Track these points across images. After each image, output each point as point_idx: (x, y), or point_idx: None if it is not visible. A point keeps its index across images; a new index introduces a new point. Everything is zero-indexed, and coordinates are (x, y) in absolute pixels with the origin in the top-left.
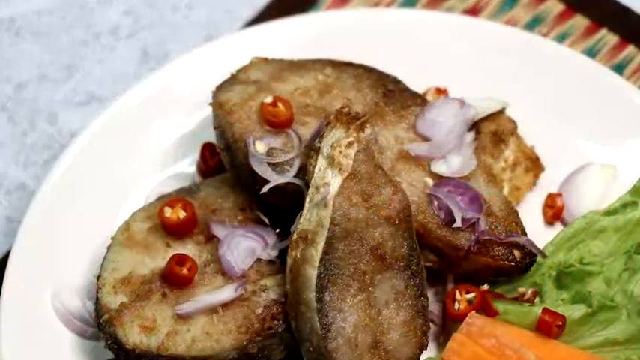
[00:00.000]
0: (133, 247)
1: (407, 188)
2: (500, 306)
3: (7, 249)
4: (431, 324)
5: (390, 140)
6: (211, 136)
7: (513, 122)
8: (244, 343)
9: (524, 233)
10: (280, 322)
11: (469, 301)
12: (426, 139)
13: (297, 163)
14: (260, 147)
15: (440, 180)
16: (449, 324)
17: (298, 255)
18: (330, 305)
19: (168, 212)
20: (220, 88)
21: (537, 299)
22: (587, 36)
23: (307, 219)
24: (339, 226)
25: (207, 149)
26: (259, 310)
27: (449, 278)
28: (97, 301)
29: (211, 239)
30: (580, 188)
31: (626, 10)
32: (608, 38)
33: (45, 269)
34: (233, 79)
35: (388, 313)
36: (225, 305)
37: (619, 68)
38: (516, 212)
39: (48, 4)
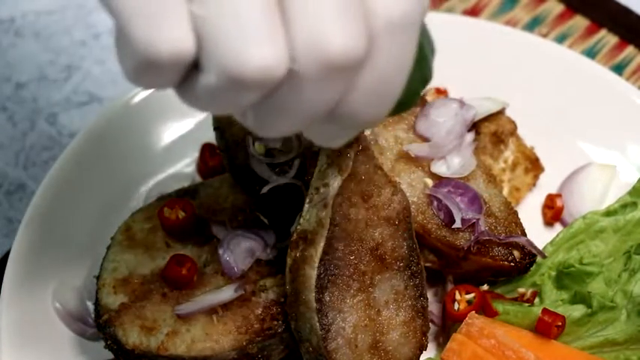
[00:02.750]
0: (132, 247)
1: (407, 189)
2: (499, 306)
3: (7, 249)
4: (430, 324)
5: (390, 140)
6: (211, 136)
7: (513, 123)
8: (244, 343)
9: (523, 234)
10: (280, 322)
11: (469, 302)
12: (425, 140)
13: (297, 164)
14: (260, 147)
15: (439, 180)
16: (449, 324)
17: (298, 255)
18: (330, 306)
19: (168, 212)
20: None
21: (537, 300)
22: (587, 36)
23: (307, 219)
24: (339, 226)
25: (207, 149)
26: (259, 311)
27: (449, 279)
28: (97, 302)
29: (211, 240)
30: (580, 189)
31: (626, 11)
32: (608, 38)
33: (45, 269)
34: None
35: (388, 314)
36: (225, 306)
37: (619, 68)
38: (516, 213)
39: (48, 4)
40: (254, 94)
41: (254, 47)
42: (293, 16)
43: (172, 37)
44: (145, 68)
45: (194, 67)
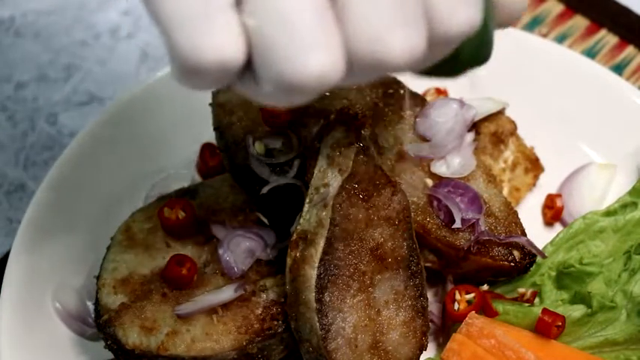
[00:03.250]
0: (132, 247)
1: (407, 189)
2: (499, 306)
3: (7, 249)
4: (430, 324)
5: (390, 140)
6: (211, 136)
7: (513, 123)
8: (244, 343)
9: (523, 234)
10: (280, 322)
11: (469, 302)
12: (425, 140)
13: (297, 164)
14: (260, 147)
15: (439, 180)
16: (449, 324)
17: (298, 255)
18: (330, 306)
19: (168, 212)
20: (220, 88)
21: (537, 300)
22: (587, 36)
23: (307, 219)
24: (339, 226)
25: (207, 149)
26: (259, 311)
27: (449, 279)
28: (97, 302)
29: (211, 240)
30: (580, 189)
31: (626, 10)
32: (608, 38)
33: (45, 269)
34: None
35: (388, 314)
36: (225, 306)
37: (619, 68)
38: (516, 213)
39: (48, 4)
40: (311, 96)
41: (310, 54)
42: (349, 18)
43: (216, 45)
44: (189, 73)
45: (247, 68)
